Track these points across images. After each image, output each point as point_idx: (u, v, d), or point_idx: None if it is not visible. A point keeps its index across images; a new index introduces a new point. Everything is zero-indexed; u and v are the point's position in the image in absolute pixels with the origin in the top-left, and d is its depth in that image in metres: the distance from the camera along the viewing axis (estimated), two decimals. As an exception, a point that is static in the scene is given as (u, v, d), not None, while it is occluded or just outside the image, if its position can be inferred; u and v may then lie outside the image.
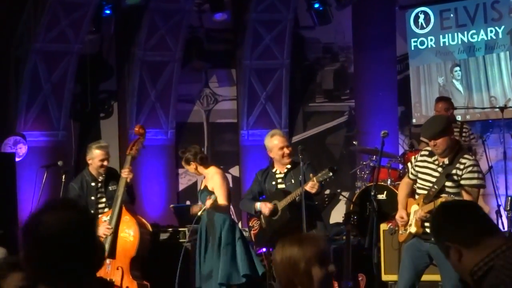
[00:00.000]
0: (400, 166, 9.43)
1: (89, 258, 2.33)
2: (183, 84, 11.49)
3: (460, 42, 10.71)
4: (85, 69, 11.03)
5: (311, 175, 6.74)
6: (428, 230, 5.95)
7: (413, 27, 11.06)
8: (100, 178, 7.70)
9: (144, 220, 7.85)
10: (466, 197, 5.87)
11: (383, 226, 7.66)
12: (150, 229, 7.85)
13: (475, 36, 10.58)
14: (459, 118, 9.92)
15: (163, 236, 8.81)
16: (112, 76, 11.46)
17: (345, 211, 10.16)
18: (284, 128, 11.35)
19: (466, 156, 5.99)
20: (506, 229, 8.36)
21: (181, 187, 11.51)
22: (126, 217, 7.55)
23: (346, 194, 10.79)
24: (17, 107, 10.41)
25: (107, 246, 7.38)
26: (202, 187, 7.50)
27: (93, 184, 7.68)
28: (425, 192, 6.01)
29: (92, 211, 7.59)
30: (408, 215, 6.12)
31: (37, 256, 2.30)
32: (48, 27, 10.28)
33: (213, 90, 11.83)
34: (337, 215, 10.68)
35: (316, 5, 10.78)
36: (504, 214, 8.45)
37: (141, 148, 7.80)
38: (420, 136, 9.09)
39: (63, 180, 8.06)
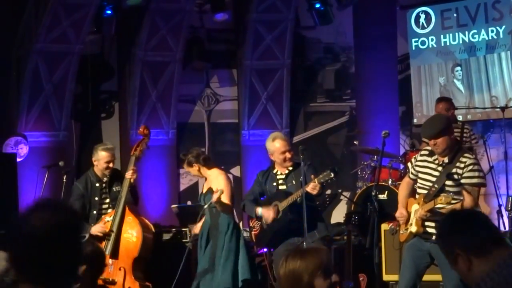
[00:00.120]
0: (401, 166, 9.44)
1: (75, 259, 2.33)
2: (184, 85, 11.49)
3: (461, 42, 10.71)
4: (86, 69, 11.03)
5: (312, 176, 6.74)
6: (428, 230, 5.96)
7: (414, 27, 11.06)
8: (105, 179, 7.72)
9: (147, 221, 7.85)
10: (466, 196, 5.87)
11: (384, 226, 7.66)
12: (153, 230, 7.86)
13: (476, 36, 10.59)
14: (460, 118, 9.92)
15: (166, 236, 8.82)
16: (113, 77, 11.46)
17: (346, 211, 10.16)
18: (285, 128, 11.35)
19: (466, 155, 5.99)
20: (507, 229, 8.37)
21: (182, 187, 11.52)
22: (129, 218, 7.56)
23: (347, 194, 10.79)
24: (18, 108, 10.41)
25: (110, 247, 7.39)
26: (204, 190, 7.48)
27: (97, 184, 7.69)
28: (426, 191, 6.02)
29: (95, 212, 7.61)
30: (408, 213, 6.13)
31: (22, 256, 2.30)
32: (49, 27, 10.29)
33: (214, 90, 11.83)
34: (338, 215, 10.68)
35: (317, 5, 10.77)
36: (505, 214, 8.46)
37: (145, 148, 7.81)
38: (421, 136, 9.09)
39: (64, 180, 8.07)
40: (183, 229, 8.86)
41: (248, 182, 10.13)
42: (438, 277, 6.39)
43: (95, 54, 11.29)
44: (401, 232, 6.25)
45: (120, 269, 7.43)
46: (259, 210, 7.08)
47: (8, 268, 2.32)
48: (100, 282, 3.56)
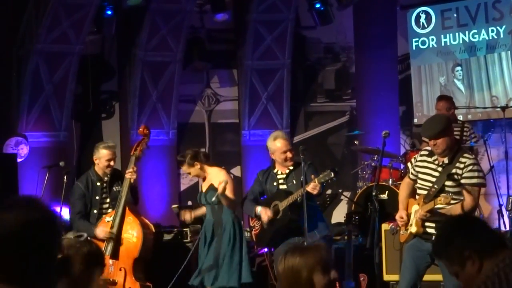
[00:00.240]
0: (402, 166, 9.44)
1: (50, 257, 2.31)
2: (184, 85, 11.49)
3: (461, 41, 10.71)
4: (87, 69, 11.03)
5: (312, 176, 6.74)
6: (428, 230, 5.96)
7: (414, 27, 11.06)
8: (106, 178, 7.71)
9: (147, 221, 7.84)
10: (466, 196, 5.87)
11: (385, 226, 7.66)
12: (153, 230, 7.85)
13: (477, 36, 10.59)
14: (460, 117, 9.92)
15: (167, 236, 8.82)
16: (114, 77, 11.47)
17: (347, 211, 10.16)
18: (285, 128, 11.35)
19: (466, 155, 5.98)
20: (507, 228, 8.37)
21: (183, 187, 11.52)
22: (130, 218, 7.55)
23: (347, 194, 10.79)
24: (19, 108, 10.42)
25: (110, 247, 7.38)
26: (204, 189, 7.47)
27: (98, 183, 7.68)
28: (425, 192, 6.01)
29: (96, 211, 7.61)
30: (408, 215, 6.13)
31: None
32: (50, 28, 10.30)
33: (215, 91, 11.83)
34: (339, 215, 10.69)
35: (317, 5, 10.77)
36: (505, 213, 8.46)
37: (145, 148, 7.80)
38: (421, 136, 9.09)
39: (64, 180, 8.06)
40: (184, 230, 8.86)
41: (249, 182, 10.13)
42: (438, 277, 6.39)
43: (95, 54, 11.30)
44: (401, 232, 6.25)
45: (120, 270, 7.42)
46: (258, 209, 7.09)
47: None
48: (100, 282, 3.52)
